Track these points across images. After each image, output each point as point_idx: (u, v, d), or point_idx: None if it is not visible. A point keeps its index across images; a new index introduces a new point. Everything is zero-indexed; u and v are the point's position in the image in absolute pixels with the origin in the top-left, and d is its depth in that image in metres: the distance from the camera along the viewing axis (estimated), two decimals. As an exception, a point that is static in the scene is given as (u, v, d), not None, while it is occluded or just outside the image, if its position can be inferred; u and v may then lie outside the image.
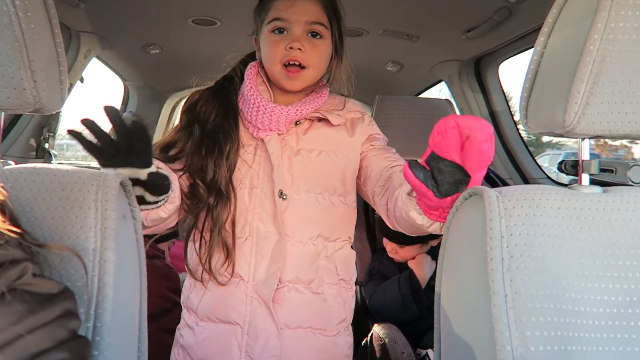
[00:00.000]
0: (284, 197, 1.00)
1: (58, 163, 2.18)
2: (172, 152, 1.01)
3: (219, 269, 1.01)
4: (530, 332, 0.61)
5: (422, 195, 0.73)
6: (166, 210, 0.88)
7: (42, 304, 0.49)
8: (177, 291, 1.53)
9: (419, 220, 0.81)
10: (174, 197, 0.89)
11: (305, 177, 1.02)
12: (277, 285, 1.00)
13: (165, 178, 0.85)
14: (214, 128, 1.01)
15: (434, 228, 0.82)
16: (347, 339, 1.12)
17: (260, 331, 1.00)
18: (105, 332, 0.61)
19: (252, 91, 1.01)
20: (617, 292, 0.66)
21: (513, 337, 0.60)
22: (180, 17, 1.86)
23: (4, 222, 0.51)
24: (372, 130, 1.11)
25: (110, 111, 0.72)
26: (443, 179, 0.69)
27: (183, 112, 1.06)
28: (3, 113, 0.75)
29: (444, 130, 0.64)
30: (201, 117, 1.03)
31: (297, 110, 1.01)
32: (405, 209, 0.83)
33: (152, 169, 0.81)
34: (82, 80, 2.15)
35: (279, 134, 1.03)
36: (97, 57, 2.21)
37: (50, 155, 2.11)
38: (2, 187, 0.56)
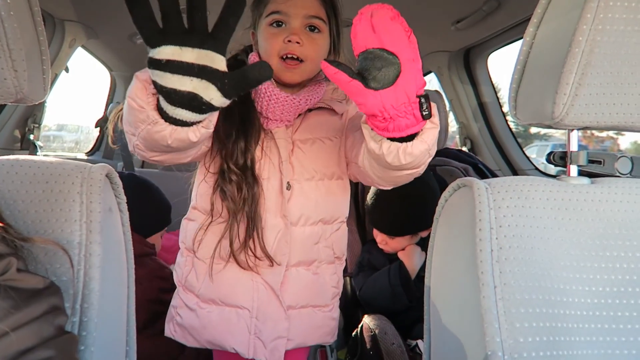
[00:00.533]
0: (289, 187, 1.02)
1: (44, 155, 2.15)
2: None
3: (238, 250, 1.00)
4: (519, 324, 0.61)
5: (352, 91, 0.66)
6: (198, 133, 0.71)
7: (27, 300, 0.48)
8: (171, 290, 1.48)
9: (373, 146, 0.74)
10: (211, 121, 0.73)
11: (305, 166, 1.03)
12: None
13: (254, 84, 0.68)
14: (243, 111, 0.99)
15: (390, 151, 0.73)
16: (338, 310, 1.17)
17: (269, 315, 1.03)
18: (92, 327, 0.60)
19: None
20: (605, 282, 0.66)
21: (502, 328, 0.61)
22: (168, 6, 1.82)
23: None
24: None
25: None
26: (370, 68, 0.64)
27: None
28: (-16, 104, 0.73)
29: (354, 26, 0.64)
30: None
31: (306, 99, 1.00)
32: (365, 142, 0.77)
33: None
34: (67, 70, 2.11)
35: (286, 126, 1.03)
36: (83, 46, 2.17)
37: (36, 146, 2.08)
38: None
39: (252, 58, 1.04)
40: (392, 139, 0.71)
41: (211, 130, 0.75)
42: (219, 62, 0.63)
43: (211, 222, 1.02)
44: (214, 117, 0.73)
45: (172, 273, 1.51)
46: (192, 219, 1.08)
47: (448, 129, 2.13)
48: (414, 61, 0.65)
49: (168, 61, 0.61)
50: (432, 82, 2.57)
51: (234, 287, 1.03)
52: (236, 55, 1.09)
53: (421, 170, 0.82)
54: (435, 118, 0.72)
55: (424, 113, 0.68)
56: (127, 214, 0.75)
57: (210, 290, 1.04)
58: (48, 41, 1.95)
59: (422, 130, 0.71)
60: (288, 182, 1.01)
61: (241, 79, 0.66)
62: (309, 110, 1.05)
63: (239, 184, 0.97)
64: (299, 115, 1.04)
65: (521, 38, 0.74)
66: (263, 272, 1.02)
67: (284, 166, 1.01)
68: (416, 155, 0.73)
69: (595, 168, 0.79)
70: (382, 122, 0.68)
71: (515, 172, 2.27)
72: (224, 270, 1.02)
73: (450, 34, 1.95)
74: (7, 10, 0.63)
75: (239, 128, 0.98)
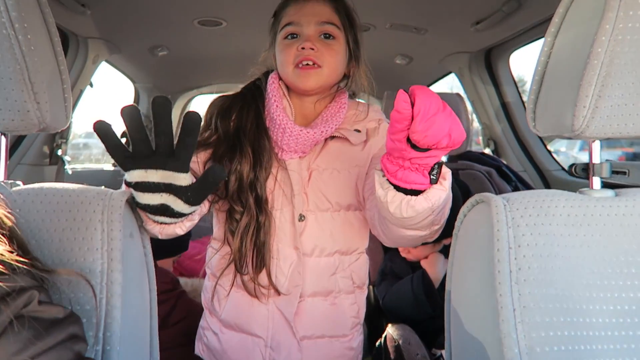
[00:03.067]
0: (302, 219, 1.01)
1: (71, 168, 2.21)
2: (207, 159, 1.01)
3: (247, 280, 1.01)
4: (540, 348, 0.60)
5: (397, 134, 0.66)
6: (184, 227, 0.81)
7: (48, 328, 0.50)
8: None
9: (380, 192, 0.75)
10: (195, 214, 0.82)
11: (320, 197, 1.02)
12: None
13: (213, 186, 0.74)
14: (254, 139, 1.00)
15: (394, 200, 0.73)
16: (359, 338, 1.14)
17: (283, 344, 1.03)
18: (114, 356, 0.61)
19: (278, 111, 0.99)
20: (631, 300, 0.64)
21: (522, 353, 0.59)
22: (186, 19, 1.86)
23: (11, 252, 0.52)
24: (384, 141, 1.07)
25: (157, 102, 0.64)
26: None
27: (217, 118, 1.03)
28: (8, 135, 0.75)
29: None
30: (240, 125, 1.02)
31: (321, 132, 0.99)
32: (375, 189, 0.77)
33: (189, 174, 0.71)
34: (91, 85, 2.17)
35: (300, 157, 1.02)
36: (106, 61, 2.22)
37: (63, 161, 2.14)
38: (10, 212, 0.57)
39: (272, 80, 1.03)
40: (398, 189, 0.72)
41: (196, 221, 0.86)
42: (181, 180, 0.70)
43: (229, 251, 1.02)
44: (196, 213, 0.81)
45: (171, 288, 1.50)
46: (213, 246, 1.09)
47: (471, 131, 2.10)
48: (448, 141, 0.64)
49: (137, 183, 0.69)
50: (454, 83, 2.54)
51: (251, 315, 1.03)
52: (256, 80, 1.10)
53: (424, 235, 0.82)
54: (446, 183, 0.73)
55: (432, 177, 0.70)
56: (148, 236, 0.77)
57: (229, 317, 1.05)
58: (72, 59, 2.02)
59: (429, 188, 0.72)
60: (301, 214, 1.00)
61: (202, 188, 0.72)
62: (332, 137, 1.03)
63: (244, 222, 0.98)
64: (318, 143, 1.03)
65: (543, 37, 0.72)
66: (277, 301, 1.02)
67: (295, 199, 1.00)
68: (418, 211, 0.73)
69: (620, 179, 0.76)
70: (394, 166, 0.71)
71: (540, 172, 2.22)
72: (242, 298, 1.03)
73: (470, 34, 1.92)
74: (28, 45, 0.66)
75: (251, 164, 0.98)
